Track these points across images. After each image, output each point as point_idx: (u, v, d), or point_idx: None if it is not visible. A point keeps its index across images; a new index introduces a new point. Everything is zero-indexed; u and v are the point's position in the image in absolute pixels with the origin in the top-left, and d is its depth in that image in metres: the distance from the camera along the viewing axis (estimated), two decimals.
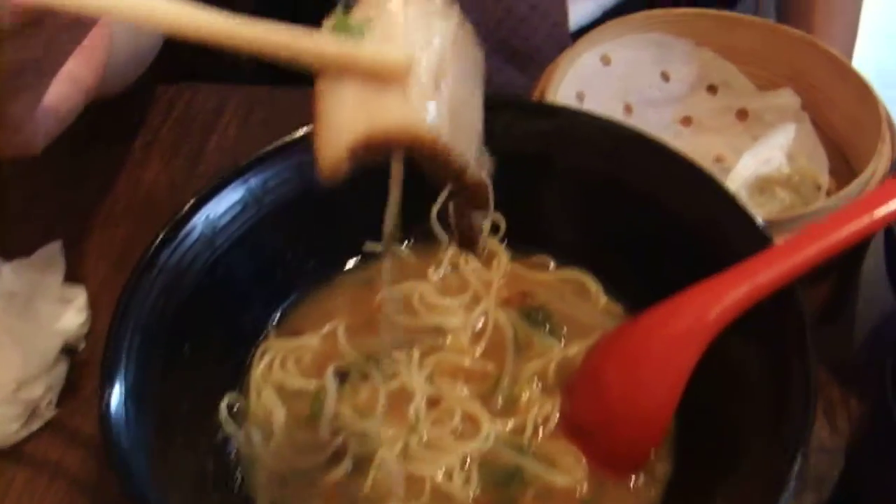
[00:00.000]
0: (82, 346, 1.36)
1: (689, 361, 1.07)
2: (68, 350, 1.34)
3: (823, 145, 1.42)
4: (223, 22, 0.69)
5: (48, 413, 1.28)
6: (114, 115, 1.56)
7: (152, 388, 1.09)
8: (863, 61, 1.63)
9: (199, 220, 1.19)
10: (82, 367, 1.34)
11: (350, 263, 1.34)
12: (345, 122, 0.70)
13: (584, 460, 1.15)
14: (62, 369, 1.32)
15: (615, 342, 1.16)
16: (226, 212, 1.21)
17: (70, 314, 1.35)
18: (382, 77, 0.70)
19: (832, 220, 1.09)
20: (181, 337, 1.15)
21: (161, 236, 1.15)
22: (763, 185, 1.35)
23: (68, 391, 1.31)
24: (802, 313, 1.07)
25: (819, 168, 1.39)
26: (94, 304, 1.38)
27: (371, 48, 0.70)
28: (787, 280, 1.07)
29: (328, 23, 0.72)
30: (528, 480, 1.14)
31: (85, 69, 1.05)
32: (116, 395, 1.04)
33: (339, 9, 0.73)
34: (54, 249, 1.42)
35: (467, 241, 0.91)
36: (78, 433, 1.27)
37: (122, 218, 1.53)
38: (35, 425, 1.27)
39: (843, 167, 1.41)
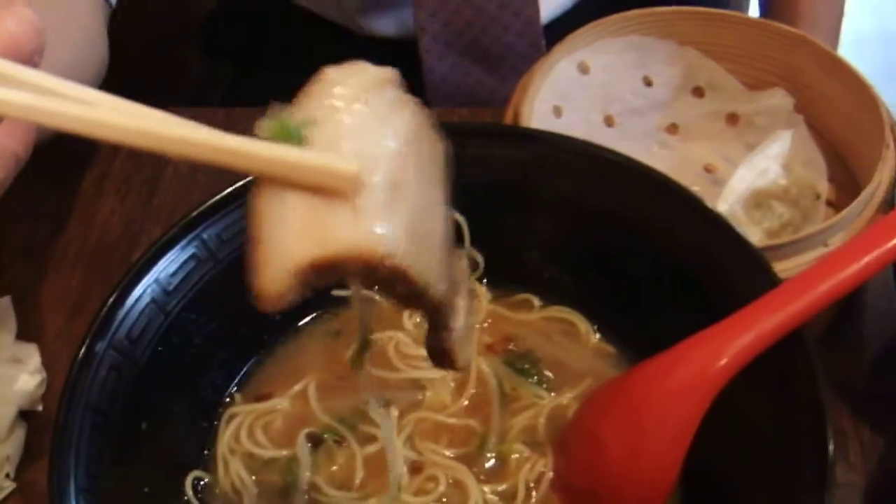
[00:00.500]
0: (40, 407, 1.25)
1: (694, 418, 0.97)
2: (25, 413, 1.23)
3: (821, 149, 1.32)
4: (152, 124, 0.61)
5: (7, 486, 1.18)
6: (61, 149, 1.43)
7: (108, 475, 0.99)
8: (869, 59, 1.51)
9: (149, 284, 1.07)
10: (42, 430, 1.23)
11: (318, 312, 1.23)
12: (288, 244, 0.62)
13: None
14: (20, 436, 1.21)
15: (611, 397, 1.06)
16: (177, 271, 1.10)
17: (24, 376, 1.24)
18: (329, 191, 0.62)
19: (844, 254, 0.97)
20: (136, 415, 1.05)
21: (108, 305, 1.04)
22: (759, 200, 1.24)
23: (28, 457, 1.20)
24: (813, 362, 0.97)
25: (817, 175, 1.28)
26: (49, 361, 1.27)
27: (316, 157, 0.62)
28: (797, 324, 0.95)
29: (266, 122, 0.64)
30: None
31: (11, 139, 0.93)
32: (69, 491, 0.94)
33: (276, 107, 0.64)
34: (4, 305, 1.31)
35: (444, 361, 0.78)
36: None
37: (75, 263, 1.41)
38: None
39: (843, 173, 1.30)
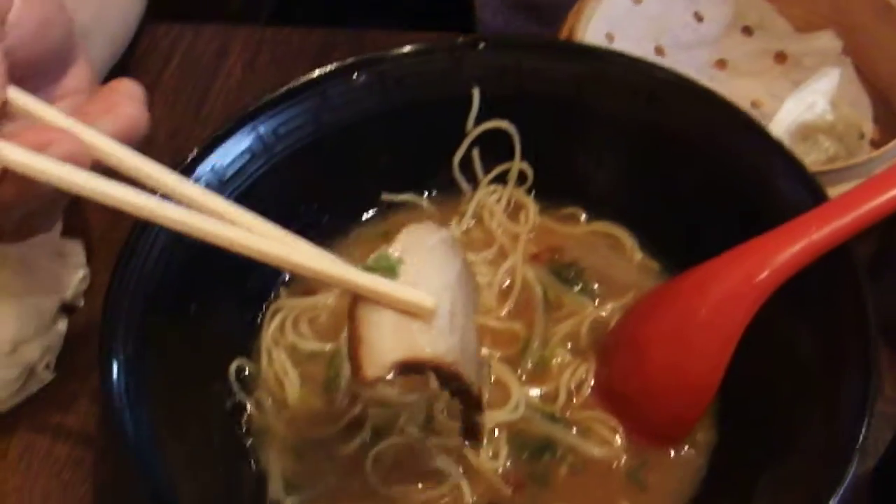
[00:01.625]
0: (81, 303, 1.23)
1: (738, 326, 0.95)
2: (66, 308, 1.21)
3: (867, 92, 1.29)
4: (282, 249, 0.83)
5: (46, 376, 1.16)
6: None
7: (155, 353, 0.97)
8: None
9: (205, 171, 1.06)
10: (82, 326, 1.21)
11: (367, 215, 1.21)
12: (385, 347, 0.82)
13: (621, 430, 1.03)
14: (60, 329, 1.19)
15: (655, 305, 1.04)
16: (233, 161, 1.08)
17: (67, 270, 1.22)
18: (413, 313, 0.84)
19: (892, 174, 0.96)
20: (185, 298, 1.03)
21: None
22: (806, 133, 1.22)
23: (67, 352, 1.19)
24: (859, 278, 0.95)
25: (863, 115, 1.26)
26: (92, 259, 1.25)
27: (407, 291, 0.84)
28: (843, 238, 0.94)
29: (373, 256, 0.87)
30: (561, 453, 1.02)
31: None
32: (117, 363, 0.93)
33: (380, 251, 0.88)
34: None
35: (471, 434, 0.98)
36: (77, 398, 1.15)
37: None
38: (32, 389, 1.15)
39: (888, 115, 1.28)
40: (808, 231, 0.94)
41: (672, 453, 1.02)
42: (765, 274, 0.94)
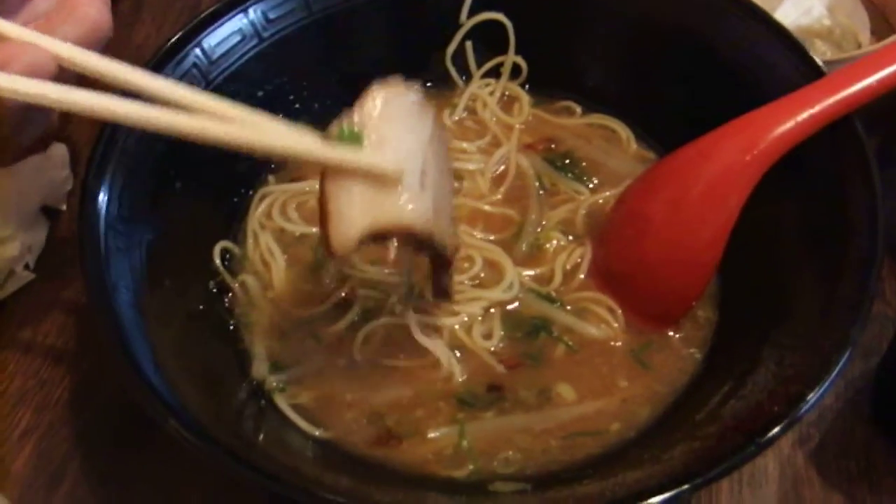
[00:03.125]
0: (63, 206, 1.16)
1: (738, 199, 0.90)
2: (49, 211, 1.14)
3: (864, 6, 1.23)
4: (248, 133, 0.77)
5: (25, 276, 1.09)
6: None
7: (138, 220, 0.91)
8: None
9: (192, 50, 1.00)
10: (64, 230, 1.14)
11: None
12: (353, 218, 0.78)
13: (619, 311, 0.97)
14: (42, 230, 1.12)
15: (654, 180, 0.98)
16: (221, 42, 1.02)
17: (51, 169, 1.15)
18: (380, 180, 0.80)
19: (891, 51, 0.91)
20: (171, 172, 0.97)
21: (150, 64, 0.96)
22: (803, 37, 1.15)
23: (48, 255, 1.12)
24: (863, 146, 0.89)
25: (860, 26, 1.21)
26: (77, 163, 1.17)
27: (369, 159, 0.79)
28: (847, 108, 0.89)
29: (336, 127, 0.81)
30: (557, 333, 0.96)
31: None
32: (99, 239, 0.87)
33: (342, 121, 0.81)
34: None
35: (442, 293, 0.94)
36: (57, 300, 1.08)
37: None
38: (11, 288, 1.08)
39: (886, 29, 1.22)
40: (807, 102, 0.89)
41: (672, 333, 0.96)
42: (764, 144, 0.88)
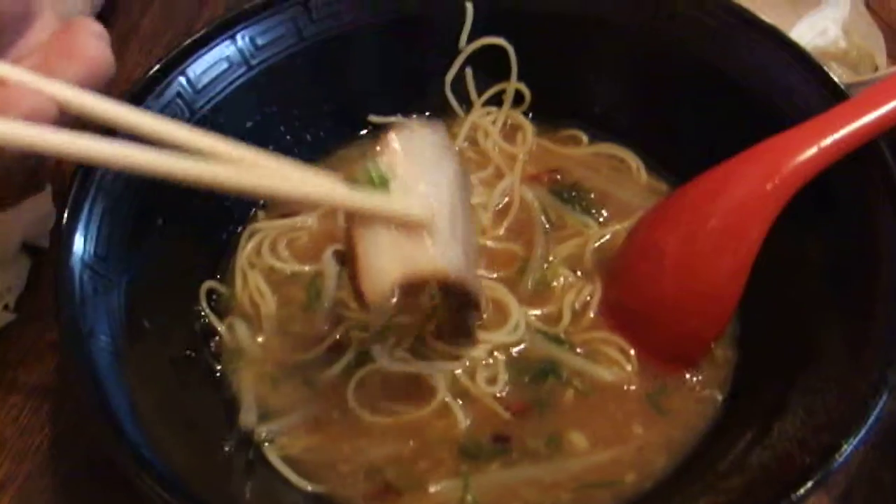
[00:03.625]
0: (46, 243, 1.08)
1: (762, 227, 0.83)
2: (31, 248, 1.07)
3: (879, 27, 1.17)
4: (272, 178, 0.73)
5: (5, 317, 1.02)
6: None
7: (117, 260, 0.85)
8: None
9: (176, 78, 0.93)
10: (46, 265, 1.07)
11: (352, 136, 1.07)
12: (384, 267, 0.74)
13: (632, 352, 0.90)
14: (23, 268, 1.06)
15: (669, 209, 0.91)
16: (207, 70, 0.95)
17: (32, 204, 1.08)
18: (409, 227, 0.75)
19: None
20: (153, 209, 0.90)
21: (129, 93, 0.90)
22: (819, 59, 1.10)
23: (29, 294, 1.05)
24: (891, 172, 0.83)
25: (876, 48, 1.14)
26: (59, 198, 1.09)
27: (399, 204, 0.76)
28: (873, 133, 0.82)
29: (360, 170, 0.77)
30: (566, 376, 0.89)
31: None
32: (75, 257, 0.81)
33: (368, 163, 0.78)
34: None
35: (464, 332, 0.89)
36: (38, 343, 1.01)
37: None
38: None
39: None
40: (831, 127, 0.82)
41: (689, 376, 0.89)
42: (785, 172, 0.82)
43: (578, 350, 0.90)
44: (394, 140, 0.79)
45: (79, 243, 0.82)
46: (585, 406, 0.87)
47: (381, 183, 0.76)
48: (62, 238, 0.82)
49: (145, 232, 0.89)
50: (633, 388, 0.88)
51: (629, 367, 0.89)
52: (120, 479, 0.85)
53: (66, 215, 0.83)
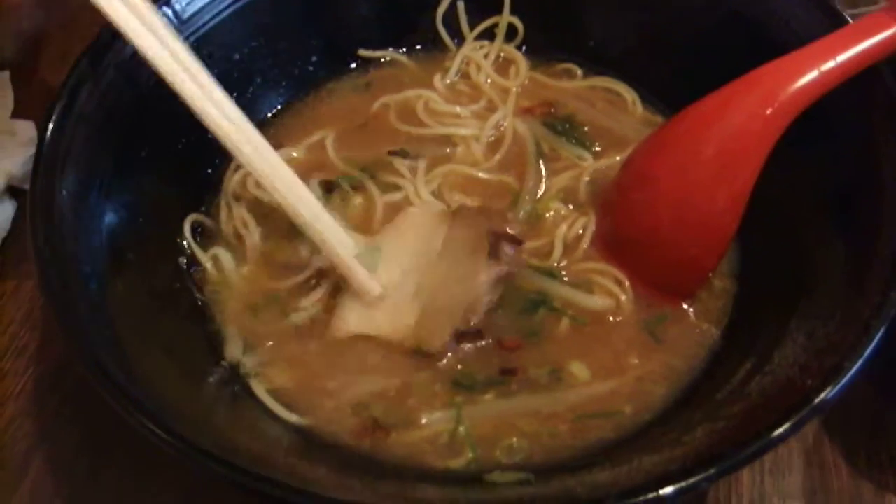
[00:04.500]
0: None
1: (760, 153, 0.79)
2: (14, 191, 1.04)
3: None
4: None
5: None
6: None
7: (99, 191, 0.81)
8: None
9: (161, 8, 0.88)
10: None
11: (342, 70, 1.03)
12: (348, 318, 0.84)
13: (627, 282, 0.86)
14: (6, 211, 1.03)
15: (665, 137, 0.87)
16: (194, 0, 0.91)
17: (16, 147, 1.05)
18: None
19: None
20: (137, 140, 0.86)
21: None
22: None
23: (13, 239, 1.02)
24: (894, 97, 0.78)
25: None
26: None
27: (364, 283, 0.84)
28: (875, 57, 0.78)
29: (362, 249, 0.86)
30: (559, 307, 0.85)
31: None
32: (54, 187, 0.77)
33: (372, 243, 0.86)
34: (3, 81, 1.13)
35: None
36: (23, 287, 0.98)
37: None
38: None
39: None
40: (833, 50, 0.78)
41: (687, 306, 0.85)
42: (785, 96, 0.78)
43: (570, 281, 0.87)
44: (404, 220, 0.89)
45: (59, 171, 0.78)
46: (583, 337, 0.84)
47: (371, 264, 0.85)
48: (41, 164, 0.78)
49: (129, 163, 0.85)
50: (629, 317, 0.84)
51: (623, 297, 0.85)
52: (103, 422, 0.84)
53: (46, 141, 0.79)
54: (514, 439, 0.78)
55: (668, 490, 0.60)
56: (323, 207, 0.84)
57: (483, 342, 0.83)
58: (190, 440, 0.64)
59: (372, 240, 0.86)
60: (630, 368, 0.82)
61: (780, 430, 0.62)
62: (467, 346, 0.82)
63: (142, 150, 0.86)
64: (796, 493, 0.82)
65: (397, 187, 0.92)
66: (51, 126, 0.79)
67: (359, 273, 0.84)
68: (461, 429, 0.78)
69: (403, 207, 0.91)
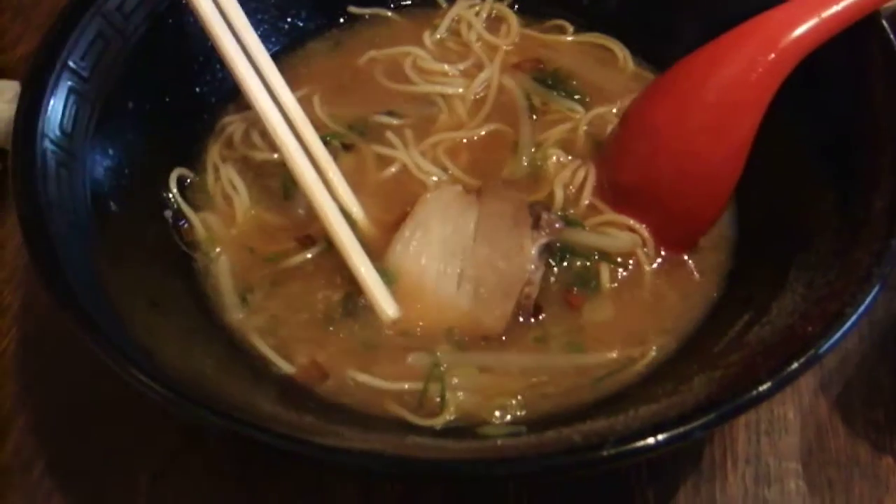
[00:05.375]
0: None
1: (760, 101, 0.77)
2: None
3: None
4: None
5: None
6: None
7: (83, 140, 0.79)
8: None
9: None
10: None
11: (331, 25, 1.02)
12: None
13: (632, 224, 0.85)
14: None
15: (664, 86, 0.85)
16: None
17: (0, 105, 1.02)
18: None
19: None
20: (123, 91, 0.84)
21: None
22: None
23: None
24: (891, 45, 0.77)
25: None
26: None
27: (379, 295, 0.81)
28: (874, 4, 0.76)
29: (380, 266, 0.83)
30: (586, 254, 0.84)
31: None
32: (38, 134, 0.75)
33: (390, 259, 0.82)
34: None
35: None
36: (6, 245, 0.96)
37: None
38: None
39: None
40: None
41: (686, 258, 0.84)
42: (784, 43, 0.76)
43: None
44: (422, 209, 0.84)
45: (42, 118, 0.76)
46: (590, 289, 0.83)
47: (390, 277, 0.82)
48: (24, 110, 0.76)
49: (114, 114, 0.83)
50: (637, 258, 0.84)
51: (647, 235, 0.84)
52: (87, 381, 0.83)
53: (29, 89, 0.78)
54: (505, 399, 0.76)
55: (664, 436, 0.58)
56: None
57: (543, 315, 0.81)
58: (180, 388, 0.63)
59: (393, 238, 0.83)
60: (625, 321, 0.80)
61: (781, 375, 0.61)
62: (533, 320, 0.80)
63: (128, 103, 0.85)
64: (793, 454, 0.81)
65: (391, 160, 0.90)
66: (34, 74, 0.78)
67: (377, 292, 0.81)
68: (452, 380, 0.77)
69: (400, 179, 0.89)
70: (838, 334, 0.63)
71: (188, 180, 0.89)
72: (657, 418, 0.62)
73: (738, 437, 0.81)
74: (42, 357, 0.87)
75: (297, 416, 0.67)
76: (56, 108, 0.77)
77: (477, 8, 1.01)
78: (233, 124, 0.93)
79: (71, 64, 0.79)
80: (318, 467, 0.79)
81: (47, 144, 0.75)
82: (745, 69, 0.77)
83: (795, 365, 0.61)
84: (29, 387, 0.86)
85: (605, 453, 0.58)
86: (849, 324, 0.63)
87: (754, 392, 0.60)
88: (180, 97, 0.90)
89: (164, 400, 0.62)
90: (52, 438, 0.82)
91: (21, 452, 0.82)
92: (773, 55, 0.76)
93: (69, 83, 0.79)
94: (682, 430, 0.59)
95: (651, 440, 0.58)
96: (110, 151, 0.81)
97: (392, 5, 1.01)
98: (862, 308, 0.64)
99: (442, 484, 0.76)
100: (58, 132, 0.76)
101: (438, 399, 0.75)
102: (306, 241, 0.85)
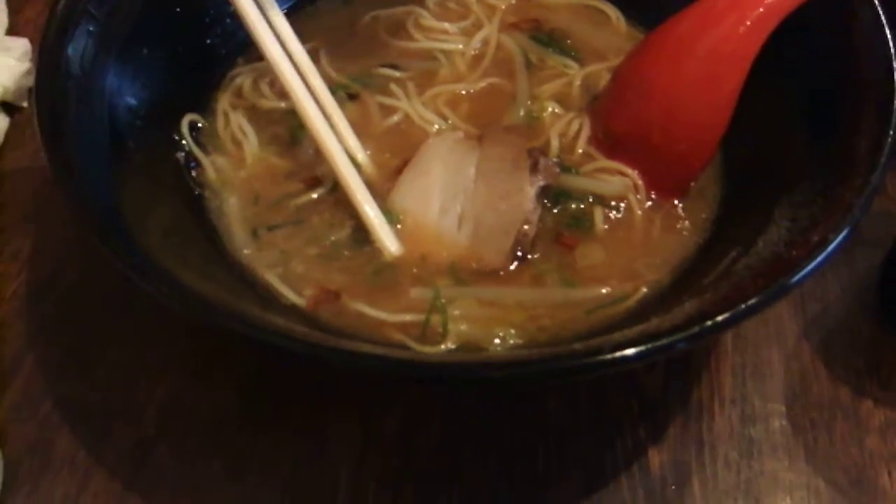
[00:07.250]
0: (24, 103, 1.05)
1: (750, 50, 0.81)
2: (8, 107, 1.04)
3: None
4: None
5: None
6: None
7: (100, 79, 0.82)
8: None
9: None
10: (24, 126, 1.04)
11: None
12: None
13: (624, 170, 0.88)
14: (1, 125, 1.02)
15: (656, 40, 0.89)
16: None
17: (10, 62, 1.05)
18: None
19: None
20: (138, 37, 0.87)
21: None
22: None
23: (6, 149, 1.02)
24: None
25: None
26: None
27: (383, 231, 0.84)
28: None
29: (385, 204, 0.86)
30: (580, 197, 0.87)
31: None
32: (58, 69, 0.78)
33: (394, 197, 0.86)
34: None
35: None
36: (15, 200, 0.98)
37: None
38: None
39: None
40: None
41: (677, 202, 0.87)
42: None
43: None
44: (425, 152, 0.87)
45: (63, 57, 0.79)
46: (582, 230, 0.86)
47: (392, 219, 0.84)
48: (45, 47, 0.79)
49: (129, 58, 0.86)
50: (629, 203, 0.87)
51: (639, 181, 0.88)
52: (96, 324, 0.86)
53: (53, 26, 0.80)
54: (503, 329, 0.78)
55: (664, 342, 0.62)
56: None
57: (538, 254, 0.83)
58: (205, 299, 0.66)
59: (397, 180, 0.86)
60: (618, 263, 0.83)
61: (769, 290, 0.64)
62: (531, 257, 0.83)
63: (143, 49, 0.88)
64: (777, 397, 0.84)
65: (394, 109, 0.93)
66: (57, 16, 0.80)
67: (380, 230, 0.83)
68: (452, 312, 0.79)
69: (403, 127, 0.92)
70: (822, 255, 0.66)
71: (199, 125, 0.92)
72: (654, 330, 0.65)
73: (724, 380, 0.84)
74: (50, 302, 0.89)
75: (310, 333, 0.70)
76: (76, 48, 0.80)
77: None
78: (242, 75, 0.96)
79: (91, 10, 0.82)
80: (333, 371, 0.80)
81: (67, 80, 0.78)
82: (733, 23, 0.81)
83: (782, 281, 0.65)
84: (37, 329, 0.87)
85: (607, 357, 0.61)
86: (832, 246, 0.66)
87: (743, 306, 0.63)
88: (192, 47, 0.93)
89: (189, 311, 0.65)
90: (59, 378, 0.84)
91: (29, 391, 0.83)
92: (760, 9, 0.80)
93: (89, 27, 0.81)
94: (679, 336, 0.62)
95: (651, 345, 0.62)
96: (125, 92, 0.84)
97: None
98: (845, 233, 0.67)
99: (449, 389, 0.79)
100: (78, 70, 0.79)
101: (441, 330, 0.77)
102: (313, 182, 0.87)
